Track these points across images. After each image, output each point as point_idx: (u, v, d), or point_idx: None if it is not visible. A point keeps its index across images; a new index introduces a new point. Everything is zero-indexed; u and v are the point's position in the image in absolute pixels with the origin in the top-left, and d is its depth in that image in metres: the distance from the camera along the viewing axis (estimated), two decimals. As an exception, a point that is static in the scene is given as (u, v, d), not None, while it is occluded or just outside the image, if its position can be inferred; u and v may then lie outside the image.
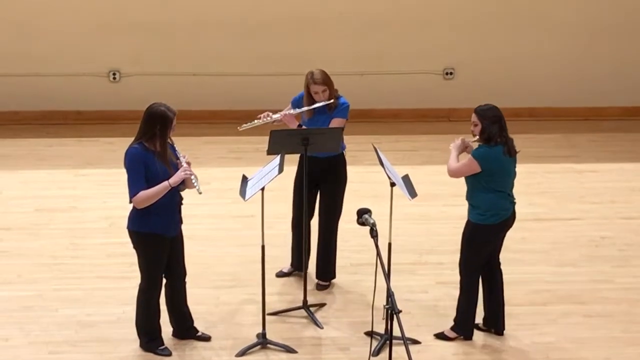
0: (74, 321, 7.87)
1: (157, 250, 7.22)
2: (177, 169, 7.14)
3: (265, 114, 8.15)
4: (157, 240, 7.19)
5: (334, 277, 8.46)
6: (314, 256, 8.42)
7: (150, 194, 7.04)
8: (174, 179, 7.06)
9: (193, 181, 7.08)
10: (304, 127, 8.06)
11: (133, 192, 7.06)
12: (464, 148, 7.54)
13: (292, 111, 8.11)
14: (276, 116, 8.13)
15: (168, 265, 7.37)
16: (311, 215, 8.31)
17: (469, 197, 7.45)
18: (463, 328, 7.64)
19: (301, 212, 8.13)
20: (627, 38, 12.46)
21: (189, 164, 7.15)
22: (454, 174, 7.45)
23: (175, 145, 7.26)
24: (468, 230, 7.48)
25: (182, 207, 7.35)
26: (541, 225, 9.65)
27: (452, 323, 7.68)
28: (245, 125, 8.17)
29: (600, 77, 12.54)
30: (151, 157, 7.09)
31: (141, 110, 12.21)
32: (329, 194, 8.24)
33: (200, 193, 7.13)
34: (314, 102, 8.04)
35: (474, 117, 7.42)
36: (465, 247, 7.51)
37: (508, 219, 7.45)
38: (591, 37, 12.42)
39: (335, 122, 8.07)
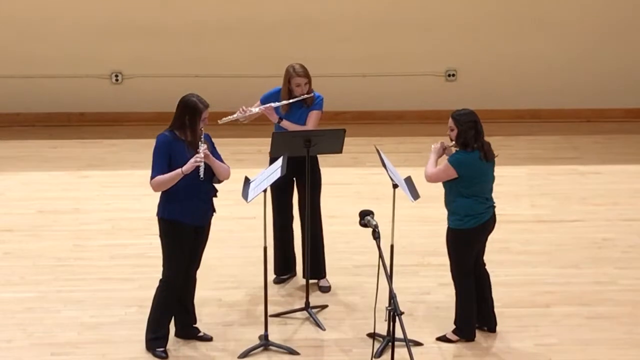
0: (77, 323, 7.88)
1: (179, 238, 7.25)
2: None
3: (243, 108, 8.18)
4: (179, 227, 7.22)
5: (324, 275, 8.44)
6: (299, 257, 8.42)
7: (164, 180, 7.14)
8: (186, 167, 7.12)
9: (200, 172, 7.13)
10: (283, 119, 8.08)
11: (152, 175, 7.18)
12: (442, 152, 7.56)
13: (272, 104, 8.14)
14: (255, 110, 8.16)
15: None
16: (292, 215, 8.39)
17: (447, 202, 7.48)
18: (464, 331, 7.64)
19: (286, 214, 8.21)
20: (629, 39, 12.45)
21: (206, 155, 7.19)
22: (430, 179, 7.47)
23: (208, 136, 7.31)
24: (449, 237, 7.51)
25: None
26: (544, 227, 9.65)
27: (453, 325, 7.68)
28: (225, 119, 8.20)
29: (602, 79, 12.53)
30: (181, 145, 7.18)
31: (143, 112, 12.23)
32: (310, 191, 8.19)
33: (201, 178, 7.16)
34: (293, 96, 8.08)
35: (450, 122, 7.41)
36: (451, 254, 7.54)
37: (487, 222, 7.46)
38: (594, 38, 12.42)
39: (314, 115, 8.14)
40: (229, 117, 8.19)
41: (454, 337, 7.66)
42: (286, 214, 8.34)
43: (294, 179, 8.24)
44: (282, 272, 8.50)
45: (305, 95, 8.08)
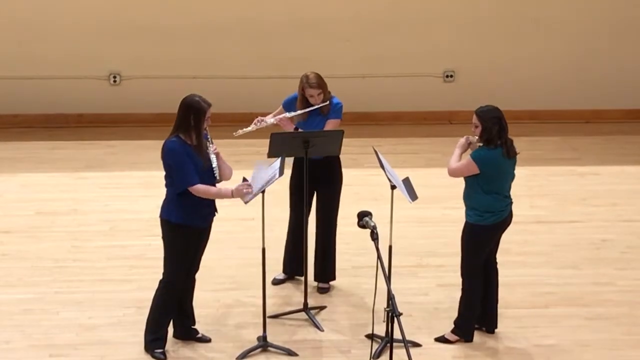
0: (75, 324, 7.87)
1: (184, 240, 7.24)
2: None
3: (259, 119, 8.17)
4: (186, 230, 7.21)
5: (334, 278, 8.45)
6: (310, 259, 8.42)
7: (211, 192, 7.14)
8: (236, 191, 7.12)
9: (216, 174, 7.16)
10: (299, 129, 8.08)
11: (191, 182, 7.08)
12: (467, 146, 7.55)
13: (287, 114, 8.13)
14: (270, 120, 8.16)
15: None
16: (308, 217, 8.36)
17: (467, 197, 7.46)
18: (464, 330, 7.63)
19: (300, 215, 8.15)
20: (628, 40, 12.46)
21: (217, 154, 7.20)
22: (452, 173, 7.47)
23: (208, 134, 7.31)
24: (466, 231, 7.49)
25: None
26: (543, 227, 9.65)
27: (452, 326, 7.67)
28: (240, 131, 8.19)
29: (601, 80, 12.54)
30: (190, 150, 7.15)
31: (141, 113, 12.21)
32: (327, 195, 8.25)
33: (217, 179, 7.22)
34: (309, 104, 8.07)
35: (474, 119, 7.41)
36: (465, 249, 7.52)
37: (505, 219, 7.47)
38: (592, 39, 12.42)
39: (331, 124, 8.12)
40: (244, 129, 8.16)
41: (453, 338, 7.65)
42: (302, 215, 8.30)
43: (315, 184, 8.23)
44: (287, 271, 8.50)
45: (319, 105, 8.07)
